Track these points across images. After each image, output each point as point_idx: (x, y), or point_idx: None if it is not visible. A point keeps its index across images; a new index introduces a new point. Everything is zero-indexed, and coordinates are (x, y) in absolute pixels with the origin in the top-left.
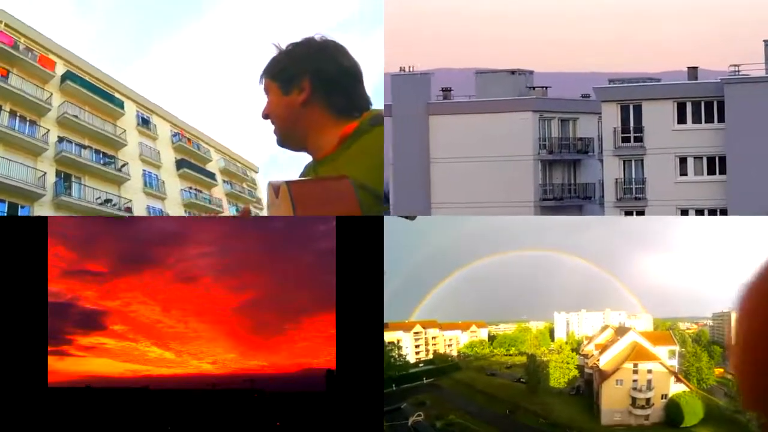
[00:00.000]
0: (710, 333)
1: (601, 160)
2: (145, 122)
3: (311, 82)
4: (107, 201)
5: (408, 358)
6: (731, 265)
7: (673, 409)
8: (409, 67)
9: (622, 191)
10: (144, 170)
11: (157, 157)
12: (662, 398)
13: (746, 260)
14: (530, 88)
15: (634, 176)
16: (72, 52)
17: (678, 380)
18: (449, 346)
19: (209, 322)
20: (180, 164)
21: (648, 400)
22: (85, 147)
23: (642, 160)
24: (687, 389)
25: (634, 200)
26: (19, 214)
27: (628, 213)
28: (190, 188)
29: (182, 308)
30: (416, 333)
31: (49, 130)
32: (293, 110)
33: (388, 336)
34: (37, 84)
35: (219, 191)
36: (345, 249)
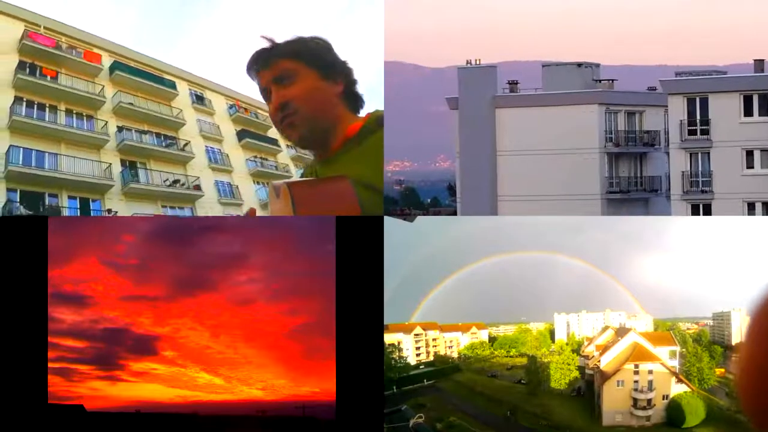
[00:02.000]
0: (711, 333)
1: (668, 153)
2: (199, 99)
3: (345, 75)
4: (175, 182)
5: (408, 359)
6: (732, 265)
7: (674, 409)
8: (476, 59)
9: (688, 184)
10: (206, 146)
11: (217, 131)
12: (663, 399)
13: (747, 260)
14: (597, 80)
15: (700, 169)
16: (114, 42)
17: (679, 381)
18: (450, 347)
19: (259, 347)
20: (241, 135)
21: (649, 400)
22: (144, 132)
23: (708, 153)
24: (688, 390)
25: (700, 193)
26: (91, 208)
27: (695, 206)
28: (255, 158)
29: (231, 334)
30: (417, 335)
31: (107, 121)
32: (330, 98)
33: (389, 338)
34: (87, 79)
35: (284, 156)
36: (345, 249)
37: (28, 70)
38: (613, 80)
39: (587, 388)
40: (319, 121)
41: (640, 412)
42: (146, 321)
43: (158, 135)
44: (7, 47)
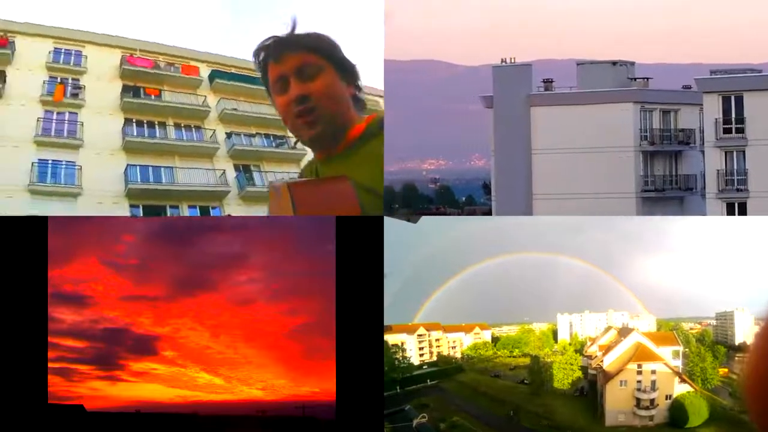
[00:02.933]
0: (714, 333)
1: (703, 152)
2: None
3: (356, 78)
4: None
5: (412, 360)
6: (734, 264)
7: (677, 409)
8: (511, 58)
9: (723, 182)
10: None
11: None
12: (666, 399)
13: (749, 260)
14: (631, 79)
15: (735, 167)
16: (209, 53)
17: (682, 381)
18: (453, 348)
19: (259, 347)
20: None
21: (652, 400)
22: (253, 135)
23: (744, 152)
24: (691, 390)
25: (735, 192)
26: (212, 215)
27: (730, 204)
28: None
29: (231, 334)
30: (420, 335)
31: (214, 130)
32: (346, 100)
33: (392, 338)
34: (189, 92)
35: None
36: (345, 249)
37: (132, 92)
38: (648, 78)
39: (590, 388)
40: (336, 120)
41: (643, 412)
42: (146, 321)
43: (267, 136)
44: (109, 75)
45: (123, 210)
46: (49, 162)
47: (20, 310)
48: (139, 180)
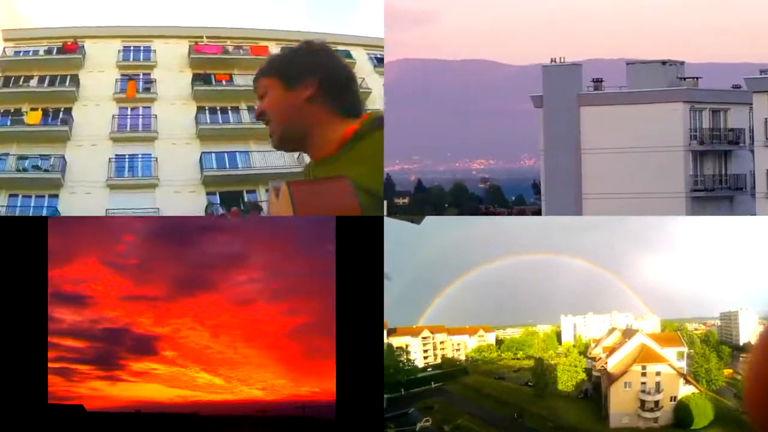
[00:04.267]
0: (718, 333)
1: (752, 151)
2: (380, 61)
3: (318, 79)
4: None
5: (416, 362)
6: (739, 264)
7: (682, 411)
8: (560, 57)
9: None
10: None
11: None
12: (671, 400)
13: (755, 260)
14: (681, 78)
15: None
16: (277, 29)
17: (687, 382)
18: (457, 350)
19: (259, 347)
20: None
21: (657, 402)
22: None
23: None
24: (696, 391)
25: None
26: None
27: None
28: None
29: (231, 334)
30: (424, 338)
31: None
32: (297, 105)
33: (396, 341)
34: None
35: None
36: (345, 249)
37: (202, 80)
38: (697, 78)
39: (594, 390)
40: (291, 127)
41: (648, 414)
42: (146, 321)
43: None
44: (178, 66)
45: (201, 198)
46: (126, 156)
47: (20, 310)
48: (214, 167)
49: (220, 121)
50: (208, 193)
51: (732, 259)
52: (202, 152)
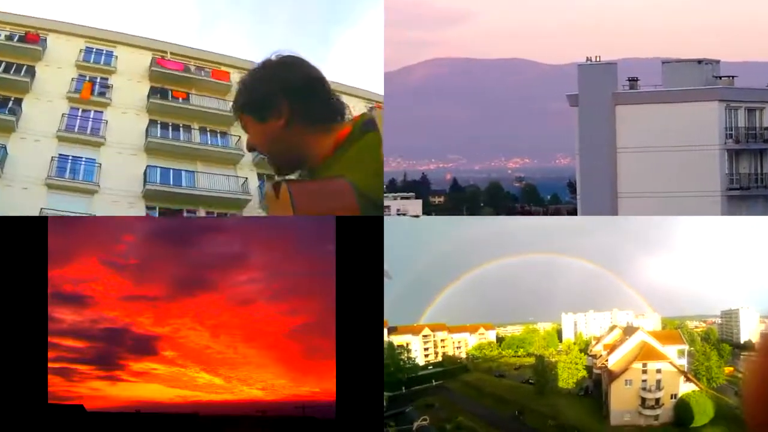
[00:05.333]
0: (719, 331)
1: None
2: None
3: (287, 101)
4: None
5: (417, 360)
6: (739, 263)
7: (682, 408)
8: (596, 56)
9: None
10: None
11: None
12: (672, 398)
13: (755, 259)
14: (717, 77)
15: None
16: (241, 58)
17: (687, 380)
18: (458, 348)
19: (259, 347)
20: None
21: (657, 400)
22: None
23: None
24: (697, 389)
25: None
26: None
27: None
28: None
29: (231, 334)
30: (425, 336)
31: (240, 137)
32: (276, 136)
33: (397, 339)
34: (218, 97)
35: None
36: (345, 249)
37: (159, 94)
38: (733, 77)
39: (595, 387)
40: (283, 155)
41: (649, 412)
42: (146, 321)
43: None
44: (138, 76)
45: (139, 211)
46: (69, 158)
47: (20, 310)
48: (158, 181)
49: (170, 137)
50: (147, 208)
51: (733, 258)
52: (148, 165)
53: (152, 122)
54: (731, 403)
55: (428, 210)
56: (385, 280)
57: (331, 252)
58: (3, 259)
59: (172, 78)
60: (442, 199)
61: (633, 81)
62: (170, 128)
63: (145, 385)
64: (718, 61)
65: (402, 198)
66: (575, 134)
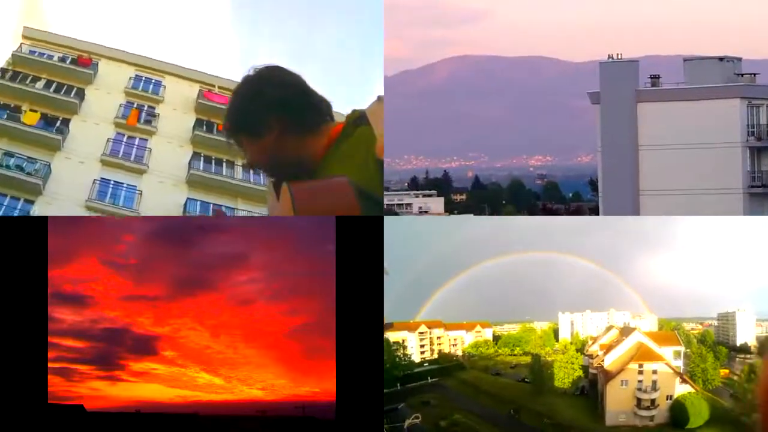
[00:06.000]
0: (715, 333)
1: None
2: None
3: (274, 114)
4: None
5: (413, 357)
6: (737, 265)
7: (678, 410)
8: (617, 54)
9: None
10: None
11: None
12: (667, 399)
13: (753, 260)
14: (738, 74)
15: None
16: None
17: (683, 381)
18: (454, 345)
19: (259, 347)
20: None
21: (653, 400)
22: None
23: None
24: (692, 390)
25: None
26: None
27: None
28: None
29: (231, 333)
30: (421, 333)
31: None
32: (273, 148)
33: (394, 336)
34: None
35: None
36: (345, 249)
37: (204, 127)
38: (755, 74)
39: (591, 387)
40: (285, 168)
41: (644, 412)
42: (146, 321)
43: None
44: (184, 107)
45: None
46: (111, 182)
47: (20, 310)
48: (197, 214)
49: (213, 171)
50: None
51: (732, 260)
52: (188, 198)
53: (196, 154)
54: (726, 405)
55: (450, 208)
56: (384, 276)
57: (331, 252)
58: (3, 259)
59: (219, 111)
60: (463, 197)
61: (655, 78)
62: (213, 162)
63: (145, 385)
64: (740, 59)
65: (424, 196)
66: (597, 132)
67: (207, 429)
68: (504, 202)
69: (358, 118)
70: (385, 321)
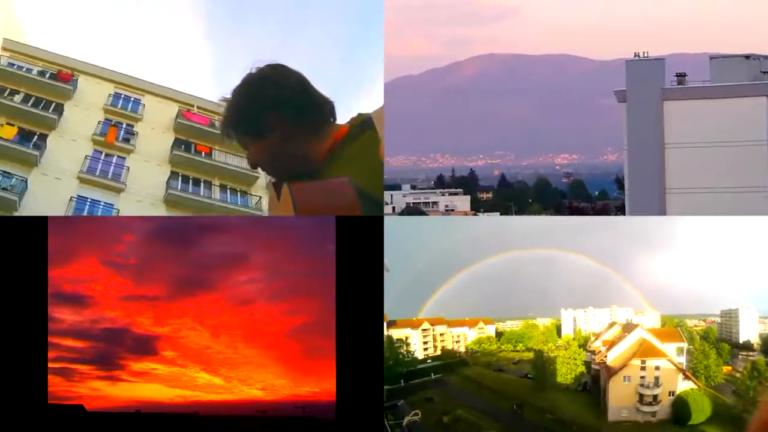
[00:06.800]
0: (718, 330)
1: None
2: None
3: (278, 114)
4: None
5: (416, 354)
6: (740, 262)
7: (680, 406)
8: (644, 52)
9: None
10: None
11: None
12: (670, 395)
13: (756, 258)
14: (765, 72)
15: None
16: None
17: (686, 377)
18: (457, 342)
19: (259, 347)
20: None
21: (655, 397)
22: None
23: None
24: (695, 387)
25: None
26: None
27: None
28: None
29: (231, 334)
30: (424, 330)
31: (260, 197)
32: (276, 149)
33: (396, 333)
34: (241, 155)
35: None
36: (345, 249)
37: (183, 146)
38: None
39: (593, 383)
40: (288, 168)
41: (646, 408)
42: (146, 321)
43: None
44: (163, 126)
45: None
46: (88, 200)
47: (20, 310)
48: None
49: (191, 191)
50: None
51: (734, 257)
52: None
53: (174, 174)
54: (729, 402)
55: (476, 206)
56: (384, 272)
57: (331, 252)
58: (3, 259)
59: (197, 132)
60: (490, 195)
61: (681, 77)
62: (191, 182)
63: (145, 385)
64: (766, 57)
65: (450, 194)
66: (623, 130)
67: (207, 429)
68: (530, 200)
69: (364, 122)
70: (388, 319)
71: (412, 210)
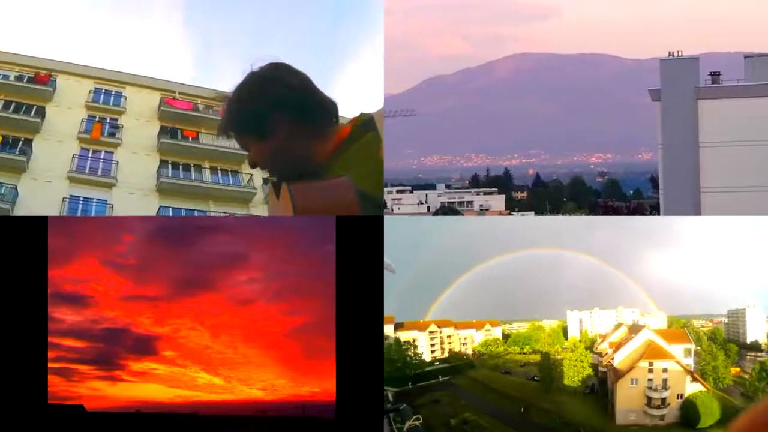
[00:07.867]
0: (726, 331)
1: None
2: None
3: (281, 114)
4: None
5: (424, 356)
6: (746, 262)
7: (689, 409)
8: (678, 51)
9: None
10: None
11: None
12: (678, 398)
13: (762, 258)
14: None
15: None
16: None
17: (694, 379)
18: (464, 344)
19: (259, 347)
20: None
21: (663, 399)
22: None
23: None
24: (703, 389)
25: None
26: None
27: None
28: None
29: (231, 333)
30: (431, 332)
31: (252, 175)
32: (279, 150)
33: (404, 335)
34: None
35: None
36: (345, 249)
37: (169, 134)
38: None
39: (600, 385)
40: (290, 168)
41: (654, 411)
42: (146, 321)
43: None
44: (147, 116)
45: None
46: (81, 199)
47: (20, 310)
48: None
49: (182, 177)
50: None
51: (741, 258)
52: (160, 206)
53: (163, 162)
54: (738, 404)
55: (511, 205)
56: (389, 274)
57: (331, 252)
58: (3, 259)
59: (182, 117)
60: (524, 195)
61: (715, 75)
62: (181, 168)
63: (145, 385)
64: None
65: (485, 194)
66: (657, 129)
67: (207, 429)
68: (565, 199)
69: (366, 123)
70: (396, 321)
71: (446, 209)
